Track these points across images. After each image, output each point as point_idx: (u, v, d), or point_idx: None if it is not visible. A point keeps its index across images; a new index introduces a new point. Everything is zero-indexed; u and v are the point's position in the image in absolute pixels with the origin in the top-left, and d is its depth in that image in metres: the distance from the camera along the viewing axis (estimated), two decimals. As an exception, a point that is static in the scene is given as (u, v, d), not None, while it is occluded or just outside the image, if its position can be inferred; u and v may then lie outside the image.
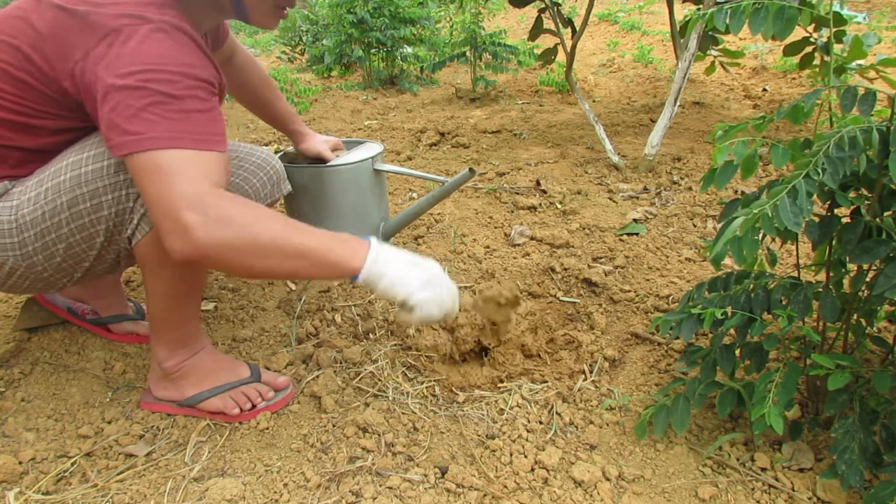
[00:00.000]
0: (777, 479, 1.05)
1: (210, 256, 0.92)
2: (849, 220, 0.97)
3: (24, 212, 1.05)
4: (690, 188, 2.33)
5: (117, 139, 0.93)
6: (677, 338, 1.13)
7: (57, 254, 1.08)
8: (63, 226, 1.06)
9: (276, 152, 1.71)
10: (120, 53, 0.94)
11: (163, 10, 0.99)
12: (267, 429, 1.20)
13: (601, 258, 1.83)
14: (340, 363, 1.38)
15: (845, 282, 1.07)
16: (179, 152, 0.92)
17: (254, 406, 1.23)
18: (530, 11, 3.08)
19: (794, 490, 1.03)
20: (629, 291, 1.65)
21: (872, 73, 2.22)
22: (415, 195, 2.38)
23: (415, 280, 1.00)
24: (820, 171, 0.87)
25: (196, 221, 0.89)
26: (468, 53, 3.94)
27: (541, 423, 1.21)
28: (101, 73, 0.94)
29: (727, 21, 1.02)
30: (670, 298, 1.60)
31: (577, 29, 2.75)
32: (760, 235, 0.88)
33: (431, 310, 1.02)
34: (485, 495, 1.04)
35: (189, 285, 1.16)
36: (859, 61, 2.06)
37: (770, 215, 0.85)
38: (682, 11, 4.01)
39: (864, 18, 5.30)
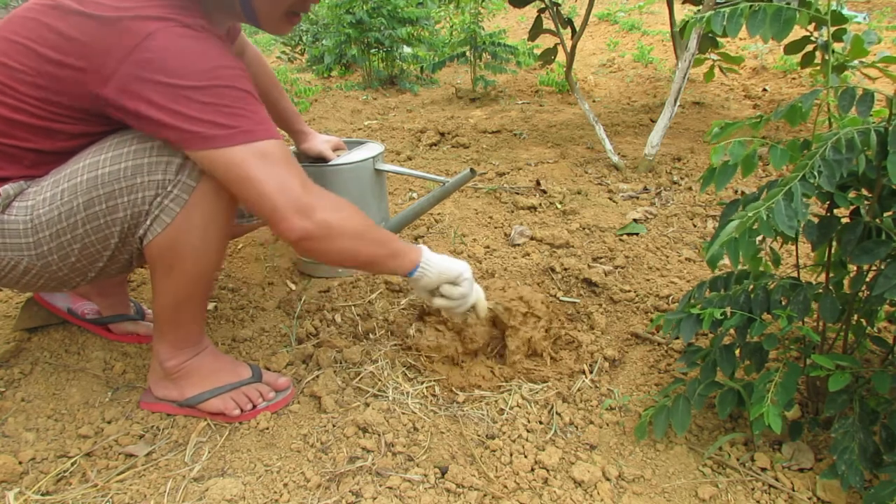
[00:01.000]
0: (777, 479, 1.05)
1: (319, 235, 1.04)
2: (848, 221, 0.97)
3: (40, 212, 1.06)
4: (690, 188, 2.33)
5: (209, 131, 0.98)
6: (677, 338, 1.13)
7: (72, 254, 1.09)
8: (79, 226, 1.06)
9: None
10: (165, 57, 0.96)
11: (191, 13, 1.01)
12: (267, 429, 1.20)
13: (601, 258, 1.83)
14: (340, 363, 1.38)
15: (845, 282, 1.07)
16: (274, 142, 1.02)
17: (254, 406, 1.24)
18: (530, 11, 3.08)
19: (794, 490, 1.03)
20: (629, 291, 1.65)
21: (874, 72, 2.21)
22: (415, 195, 2.38)
23: (462, 267, 1.23)
24: (816, 173, 0.87)
25: (315, 202, 1.03)
26: (468, 53, 3.94)
27: (541, 423, 1.21)
28: (157, 77, 0.96)
29: (724, 24, 1.02)
30: (670, 298, 1.60)
31: (577, 29, 2.75)
32: (759, 238, 0.88)
33: (470, 292, 1.25)
34: (485, 495, 1.04)
35: (198, 286, 1.16)
36: (861, 59, 2.06)
37: (765, 218, 0.85)
38: (682, 11, 4.01)
39: (865, 18, 5.30)
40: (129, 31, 0.96)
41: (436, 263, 1.20)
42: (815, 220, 0.99)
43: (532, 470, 1.09)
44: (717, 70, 3.08)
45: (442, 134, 3.03)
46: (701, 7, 2.41)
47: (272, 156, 1.00)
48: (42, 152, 1.09)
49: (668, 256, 1.84)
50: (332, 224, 1.04)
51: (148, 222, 1.08)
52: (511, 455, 1.12)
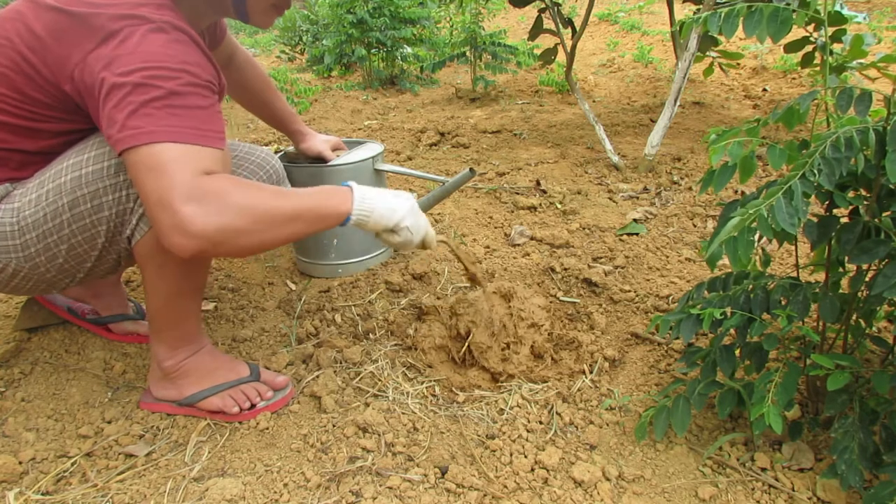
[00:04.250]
0: (777, 479, 1.05)
1: (212, 243, 0.92)
2: (847, 221, 0.97)
3: (26, 213, 1.06)
4: (690, 188, 2.33)
5: (117, 135, 0.93)
6: (677, 338, 1.13)
7: (59, 255, 1.08)
8: (65, 227, 1.06)
9: (276, 152, 1.71)
10: (120, 53, 0.94)
11: (161, 11, 0.99)
12: (267, 429, 1.21)
13: (601, 258, 1.83)
14: (340, 363, 1.38)
15: (844, 282, 1.07)
16: (178, 146, 0.92)
17: (253, 405, 1.24)
18: (530, 11, 3.08)
19: (794, 490, 1.03)
20: (629, 291, 1.65)
21: (873, 72, 2.21)
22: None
23: (402, 209, 1.13)
24: (816, 172, 0.87)
25: (193, 212, 0.89)
26: (468, 53, 3.94)
27: (541, 423, 1.21)
28: (103, 74, 0.94)
29: (720, 24, 1.02)
30: (670, 298, 1.60)
31: (577, 29, 2.75)
32: (756, 236, 0.88)
33: (414, 234, 1.16)
34: (485, 495, 1.04)
35: (189, 283, 1.16)
36: (860, 60, 2.06)
37: (766, 216, 0.85)
38: (682, 11, 4.01)
39: (865, 18, 5.29)
40: (94, 28, 0.95)
41: (370, 209, 1.08)
42: (815, 219, 0.99)
43: (532, 470, 1.09)
44: (717, 69, 3.08)
45: (442, 134, 3.03)
46: (700, 7, 2.41)
47: (165, 161, 0.91)
48: (27, 153, 1.09)
49: (668, 256, 1.84)
50: (210, 232, 0.91)
51: (134, 221, 1.08)
52: (511, 455, 1.12)
